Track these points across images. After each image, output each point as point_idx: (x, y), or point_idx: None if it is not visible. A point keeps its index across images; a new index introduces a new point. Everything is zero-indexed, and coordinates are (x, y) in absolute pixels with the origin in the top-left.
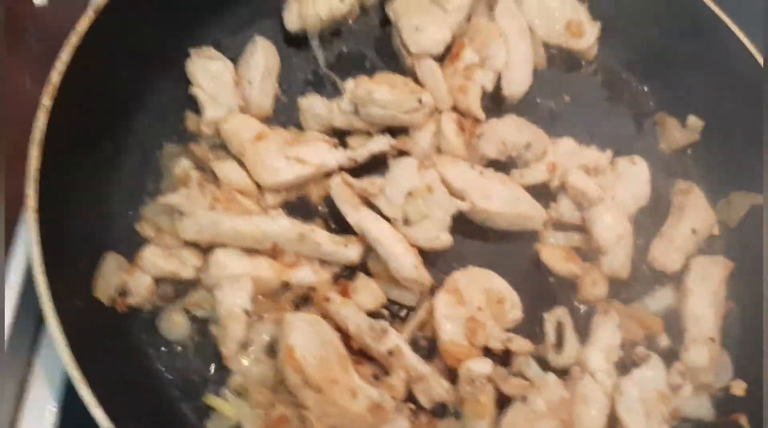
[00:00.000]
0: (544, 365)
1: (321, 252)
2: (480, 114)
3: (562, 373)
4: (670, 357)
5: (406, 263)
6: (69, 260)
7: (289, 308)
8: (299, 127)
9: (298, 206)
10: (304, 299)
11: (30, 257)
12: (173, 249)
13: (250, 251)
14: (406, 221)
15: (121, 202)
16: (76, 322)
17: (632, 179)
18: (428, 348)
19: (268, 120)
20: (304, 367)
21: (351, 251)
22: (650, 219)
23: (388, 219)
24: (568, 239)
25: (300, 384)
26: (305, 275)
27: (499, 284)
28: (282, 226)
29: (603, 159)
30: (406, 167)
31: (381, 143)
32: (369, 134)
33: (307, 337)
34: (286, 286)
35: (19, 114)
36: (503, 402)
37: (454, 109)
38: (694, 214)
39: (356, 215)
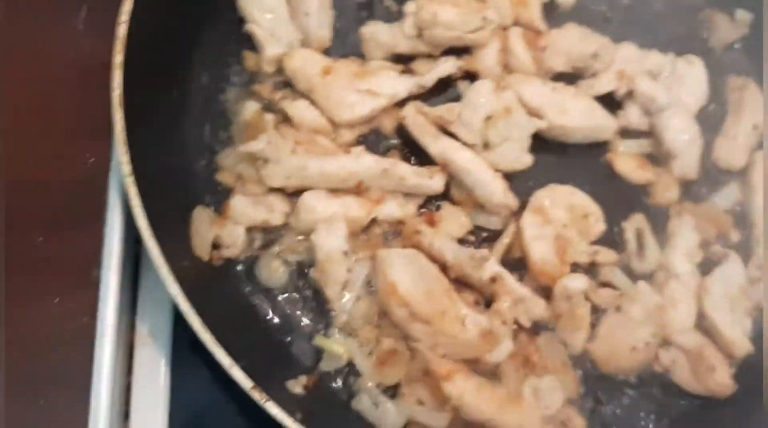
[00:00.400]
0: (628, 273)
1: (405, 186)
2: (543, 26)
3: (647, 279)
4: (743, 252)
5: (496, 189)
6: (168, 222)
7: (380, 244)
8: (359, 56)
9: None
10: (394, 234)
11: (137, 226)
12: (259, 197)
13: (336, 191)
14: (486, 146)
15: (196, 154)
16: (187, 282)
17: (691, 80)
18: (513, 268)
19: (327, 52)
20: (409, 301)
21: (435, 182)
22: (709, 118)
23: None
24: (638, 146)
25: (407, 317)
26: (392, 209)
27: (582, 199)
28: (366, 163)
29: (666, 62)
30: (482, 89)
31: (449, 66)
32: (431, 57)
33: (407, 271)
34: (373, 222)
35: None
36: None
37: (515, 23)
38: (753, 109)
39: (438, 144)
